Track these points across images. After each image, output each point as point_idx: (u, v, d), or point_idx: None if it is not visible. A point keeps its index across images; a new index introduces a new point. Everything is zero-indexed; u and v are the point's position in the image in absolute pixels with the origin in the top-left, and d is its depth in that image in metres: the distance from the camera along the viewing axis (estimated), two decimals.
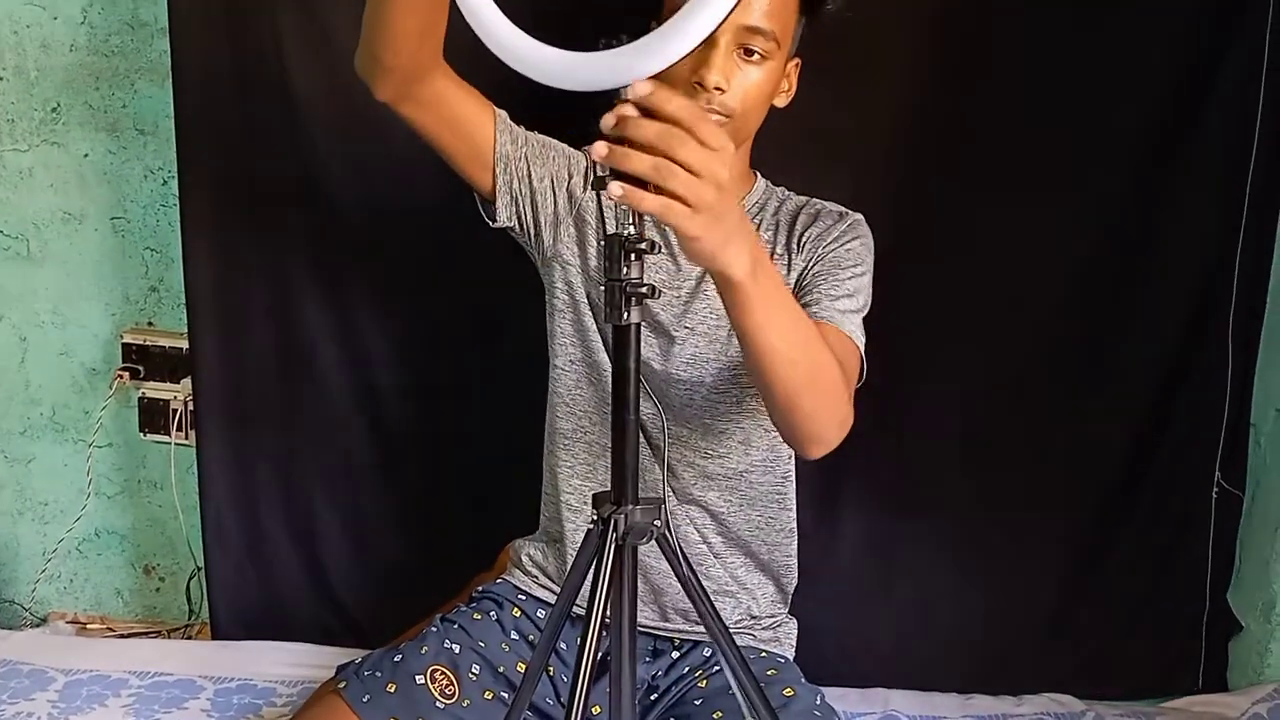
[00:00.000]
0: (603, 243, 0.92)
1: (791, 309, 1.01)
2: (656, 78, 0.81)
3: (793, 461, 1.35)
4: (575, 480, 1.34)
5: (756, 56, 1.17)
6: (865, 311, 1.24)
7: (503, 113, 1.24)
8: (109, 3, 1.72)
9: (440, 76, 1.15)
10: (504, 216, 1.27)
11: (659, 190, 0.80)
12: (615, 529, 0.95)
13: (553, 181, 1.27)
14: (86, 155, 1.79)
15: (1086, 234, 1.52)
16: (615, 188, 0.79)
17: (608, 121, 0.80)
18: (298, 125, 1.57)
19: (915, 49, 1.48)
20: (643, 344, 1.22)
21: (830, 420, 1.07)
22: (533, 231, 1.29)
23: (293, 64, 1.54)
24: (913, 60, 1.48)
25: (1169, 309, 1.53)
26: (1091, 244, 1.52)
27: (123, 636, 1.92)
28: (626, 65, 0.80)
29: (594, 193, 1.12)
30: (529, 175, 1.25)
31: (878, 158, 1.51)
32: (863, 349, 1.21)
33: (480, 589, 1.42)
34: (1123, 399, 1.56)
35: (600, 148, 0.80)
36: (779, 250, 1.28)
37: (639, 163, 0.79)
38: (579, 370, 1.32)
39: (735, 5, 0.76)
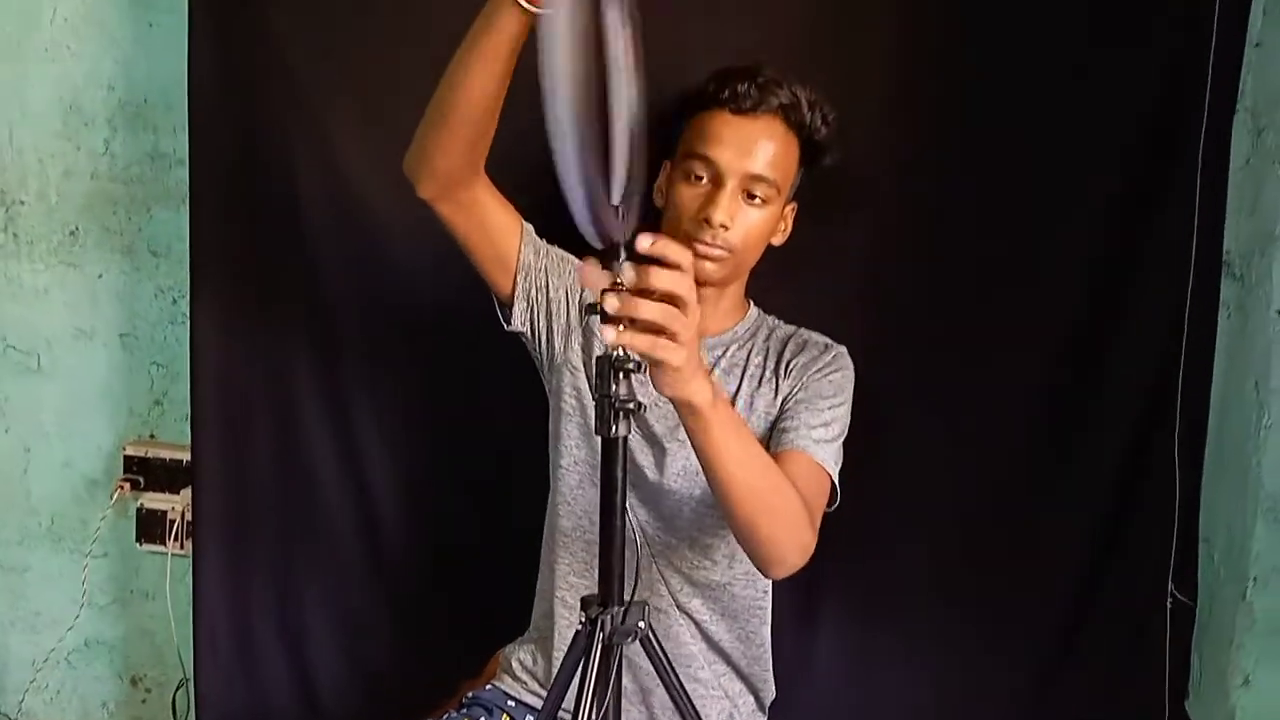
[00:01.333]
0: (593, 361, 1.01)
1: (747, 439, 1.11)
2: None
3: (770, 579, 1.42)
4: (572, 578, 1.40)
5: (758, 200, 1.30)
6: (842, 439, 1.33)
7: (529, 225, 1.35)
8: (131, 135, 1.84)
9: (479, 184, 1.26)
10: (519, 321, 1.36)
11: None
12: (602, 629, 1.02)
13: (567, 293, 1.37)
14: (101, 275, 1.88)
15: (1039, 359, 1.62)
16: (609, 332, 0.91)
17: (627, 275, 0.91)
18: (307, 252, 1.67)
19: (885, 190, 1.61)
20: (639, 454, 1.32)
21: (790, 545, 1.16)
22: (544, 338, 1.38)
23: (305, 193, 1.65)
24: (884, 199, 1.61)
25: (1115, 431, 1.61)
26: (1044, 368, 1.62)
27: None
28: None
29: None
30: (546, 285, 1.35)
31: (851, 291, 1.62)
32: (836, 475, 1.30)
33: (470, 695, 1.46)
34: (1077, 518, 1.63)
35: (611, 301, 0.91)
36: (768, 374, 1.37)
37: (648, 310, 0.91)
38: (582, 470, 1.39)
39: None
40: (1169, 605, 1.61)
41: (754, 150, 1.28)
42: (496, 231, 1.31)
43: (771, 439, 1.32)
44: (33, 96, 1.84)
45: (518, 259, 1.33)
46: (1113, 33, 1.54)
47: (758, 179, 1.29)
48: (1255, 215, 1.60)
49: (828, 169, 1.39)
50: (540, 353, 1.40)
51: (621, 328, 0.91)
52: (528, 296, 1.35)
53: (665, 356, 0.93)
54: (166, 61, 1.78)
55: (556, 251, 1.36)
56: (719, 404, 1.04)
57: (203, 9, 1.62)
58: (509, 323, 1.37)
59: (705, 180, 1.30)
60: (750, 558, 1.21)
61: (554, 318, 1.37)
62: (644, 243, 0.91)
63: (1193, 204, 1.55)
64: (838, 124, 1.35)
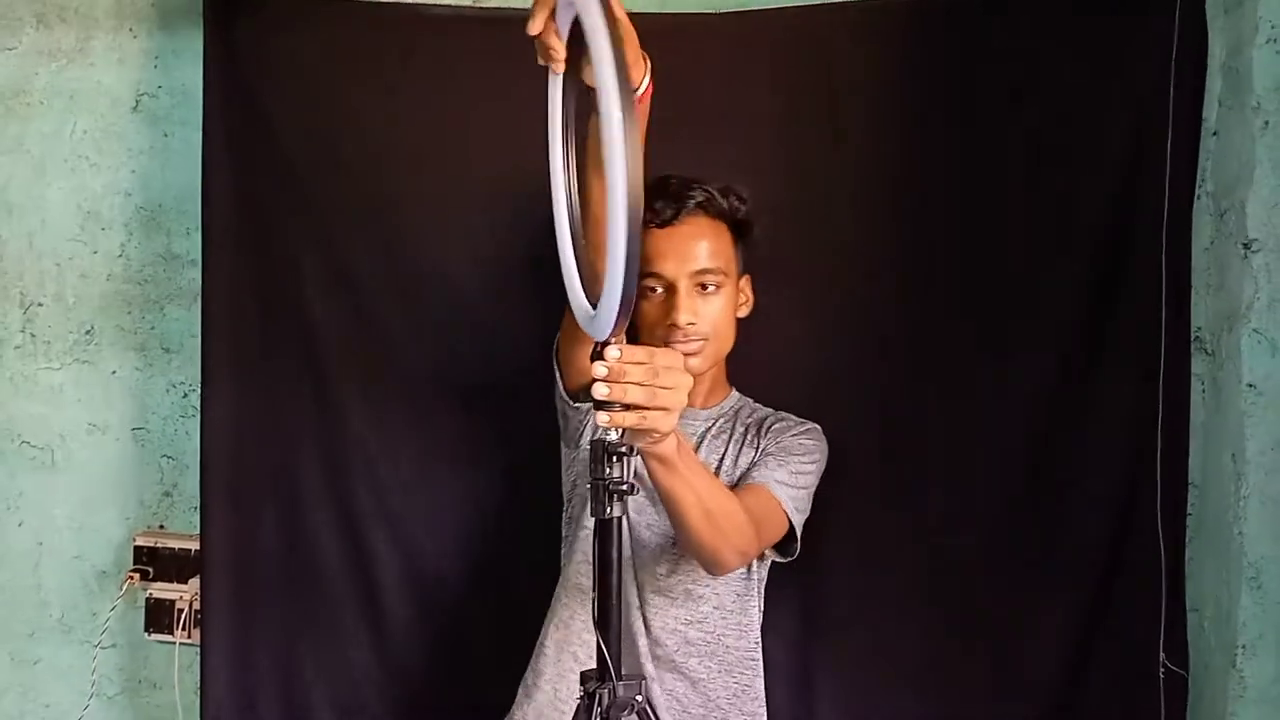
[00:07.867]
0: (588, 446, 1.07)
1: (698, 469, 1.22)
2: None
3: (759, 629, 1.47)
4: (586, 634, 1.43)
5: (712, 289, 1.42)
6: (805, 493, 1.42)
7: None
8: (145, 239, 1.93)
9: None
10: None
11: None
12: (600, 703, 1.06)
13: None
14: (114, 372, 1.95)
15: (1019, 438, 1.67)
16: (602, 416, 1.00)
17: (599, 372, 0.99)
18: (313, 347, 1.75)
19: (862, 273, 1.70)
20: (638, 515, 1.39)
21: (730, 550, 1.27)
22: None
23: (311, 291, 1.74)
24: (861, 283, 1.70)
25: (1098, 505, 1.65)
26: (1024, 446, 1.68)
27: None
28: None
29: None
30: None
31: (832, 374, 1.69)
32: (796, 523, 1.38)
33: None
34: (1066, 591, 1.67)
35: (600, 388, 0.99)
36: (750, 437, 1.47)
37: (636, 394, 1.00)
38: None
39: None
40: (1161, 675, 1.64)
41: (691, 251, 1.40)
42: None
43: (739, 481, 1.41)
44: (53, 205, 1.94)
45: None
46: (1074, 129, 1.64)
47: (704, 272, 1.40)
48: (1221, 293, 1.67)
49: (764, 235, 1.48)
50: (584, 420, 1.47)
51: (616, 407, 0.99)
52: None
53: (655, 424, 1.01)
54: (181, 169, 1.89)
55: None
56: (681, 449, 1.14)
57: (216, 121, 1.74)
58: (575, 401, 1.46)
59: (660, 291, 1.41)
60: (695, 559, 1.32)
61: None
62: (612, 353, 0.99)
63: (1159, 285, 1.62)
64: (751, 197, 1.46)
